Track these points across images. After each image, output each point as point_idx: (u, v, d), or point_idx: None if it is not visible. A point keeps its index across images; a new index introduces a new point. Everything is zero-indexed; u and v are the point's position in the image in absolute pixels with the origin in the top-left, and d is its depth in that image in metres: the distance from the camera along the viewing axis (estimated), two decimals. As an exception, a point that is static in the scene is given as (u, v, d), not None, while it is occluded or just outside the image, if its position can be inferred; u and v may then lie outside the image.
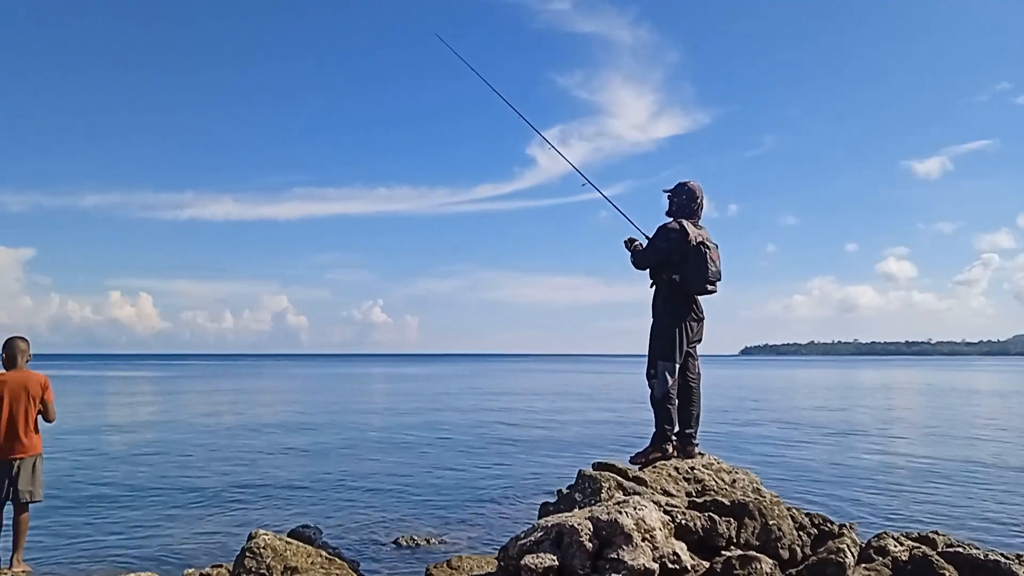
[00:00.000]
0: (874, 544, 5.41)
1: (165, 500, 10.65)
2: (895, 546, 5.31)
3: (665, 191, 7.02)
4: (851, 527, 5.78)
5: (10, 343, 6.80)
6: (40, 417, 6.80)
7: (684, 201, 6.83)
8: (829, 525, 5.78)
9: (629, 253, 6.93)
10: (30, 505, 6.75)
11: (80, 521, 9.32)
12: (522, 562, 4.44)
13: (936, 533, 6.12)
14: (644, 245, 6.89)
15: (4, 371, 6.73)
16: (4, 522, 6.67)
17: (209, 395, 39.59)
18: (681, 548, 4.69)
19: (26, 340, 6.93)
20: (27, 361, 6.86)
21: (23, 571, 6.63)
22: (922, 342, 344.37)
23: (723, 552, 5.04)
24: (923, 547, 5.22)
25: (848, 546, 4.95)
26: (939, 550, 5.29)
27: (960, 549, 5.34)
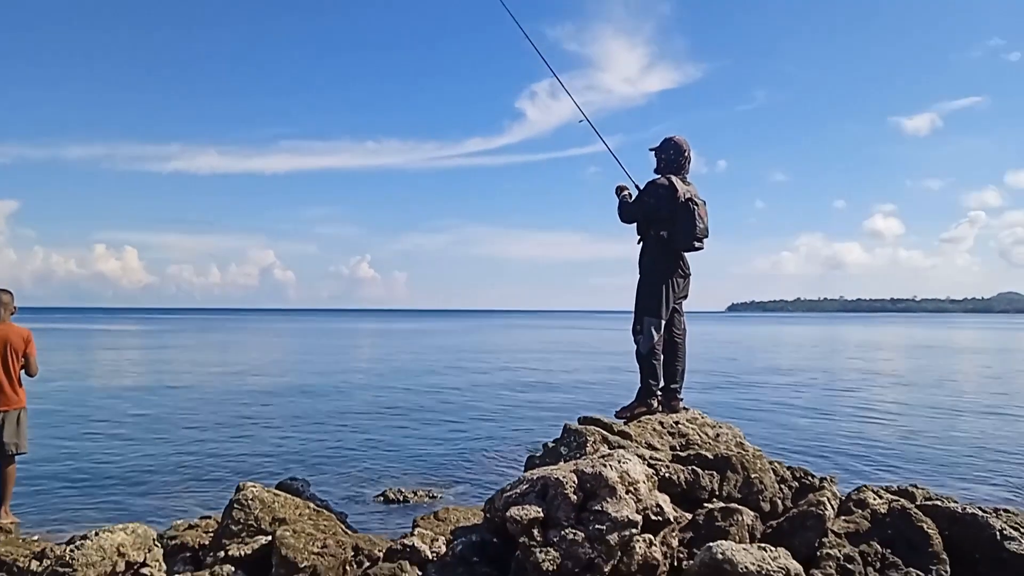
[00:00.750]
0: (854, 497, 5.49)
1: (152, 454, 10.69)
2: (874, 499, 5.39)
3: (652, 149, 6.96)
4: (831, 480, 5.87)
5: (-7, 296, 6.76)
6: (23, 371, 6.79)
7: (671, 156, 6.77)
8: (810, 478, 5.86)
9: (618, 201, 6.90)
10: (16, 458, 6.78)
11: (67, 474, 9.35)
12: (508, 513, 4.49)
13: (915, 486, 6.23)
14: (633, 196, 6.86)
15: (-12, 324, 6.70)
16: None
17: (195, 350, 39.57)
18: (664, 500, 4.75)
19: (10, 293, 6.88)
20: (11, 314, 6.82)
21: (11, 522, 6.68)
22: (907, 299, 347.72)
23: (705, 504, 5.12)
24: (902, 500, 5.31)
25: (828, 499, 5.03)
26: (918, 503, 5.38)
27: (938, 502, 5.44)
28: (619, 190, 6.96)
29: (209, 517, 6.30)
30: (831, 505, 5.02)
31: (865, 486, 5.89)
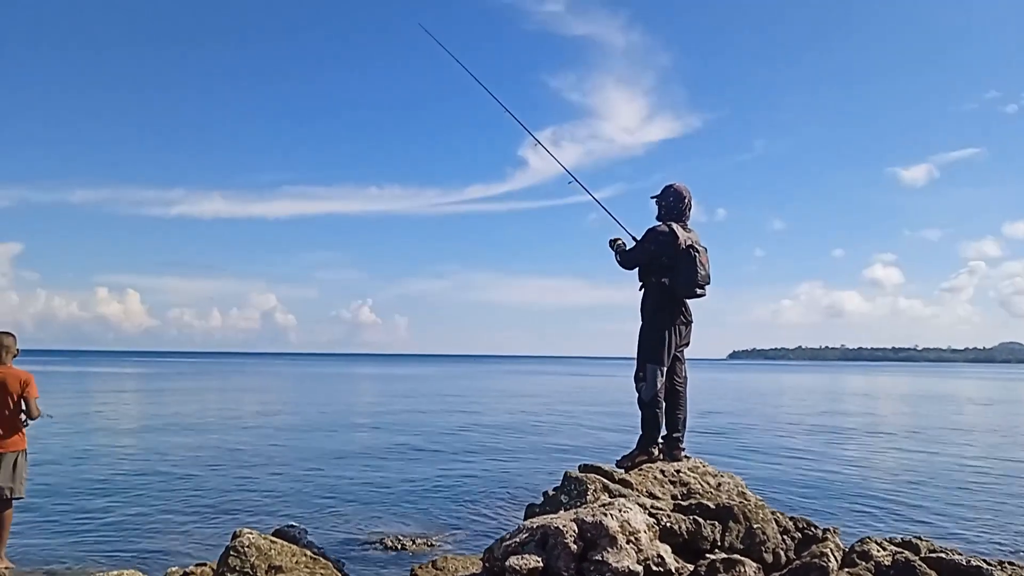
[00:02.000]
0: (857, 549, 5.43)
1: (148, 498, 10.59)
2: (878, 551, 5.33)
3: (653, 197, 7.02)
4: (835, 531, 5.81)
5: (-5, 338, 6.77)
6: (24, 414, 6.76)
7: (671, 203, 6.83)
8: (813, 529, 5.80)
9: (614, 253, 6.94)
10: (14, 502, 6.73)
11: (62, 518, 9.25)
12: (507, 563, 4.44)
13: (919, 538, 6.16)
14: (628, 245, 6.90)
15: (-12, 367, 6.69)
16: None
17: (195, 393, 39.39)
18: (666, 551, 4.70)
19: (12, 336, 6.89)
20: (13, 357, 6.82)
21: (5, 567, 6.60)
22: (908, 348, 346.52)
23: (707, 555, 5.06)
24: (906, 552, 5.25)
25: (831, 550, 4.97)
26: (922, 555, 5.32)
27: (943, 554, 5.37)
28: (612, 243, 7.00)
29: (205, 564, 6.21)
30: (835, 557, 4.96)
31: (868, 538, 5.82)
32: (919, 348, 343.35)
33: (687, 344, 6.87)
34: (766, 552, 5.29)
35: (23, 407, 6.73)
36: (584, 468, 6.42)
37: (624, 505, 4.81)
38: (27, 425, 6.82)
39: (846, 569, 5.07)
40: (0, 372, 6.67)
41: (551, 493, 6.21)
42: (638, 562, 4.43)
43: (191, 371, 78.15)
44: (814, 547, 5.16)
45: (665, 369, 6.63)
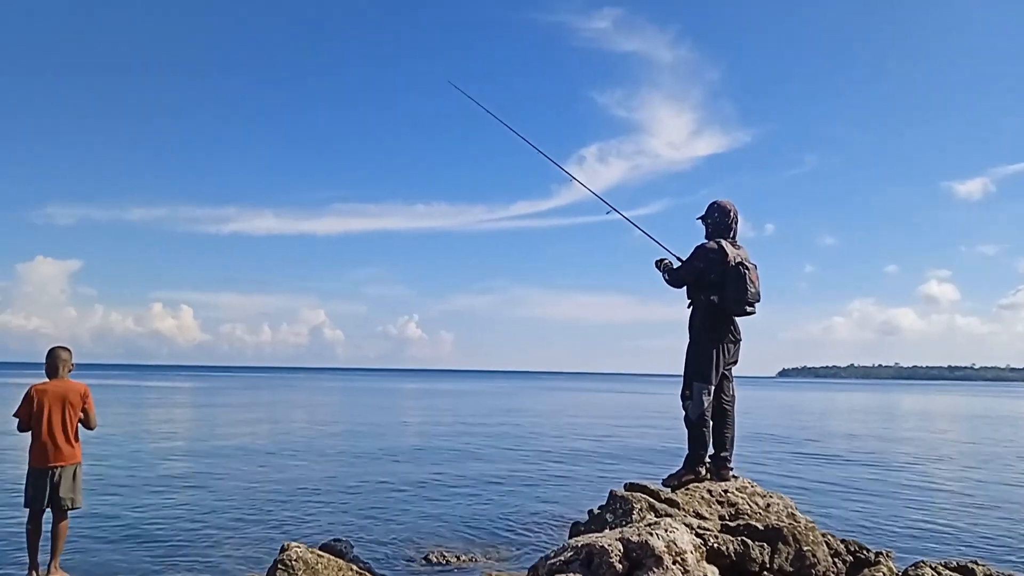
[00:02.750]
0: (911, 573, 5.30)
1: (198, 512, 10.76)
2: (933, 575, 5.19)
3: (699, 218, 6.95)
4: (888, 555, 5.68)
5: (52, 353, 6.95)
6: (81, 425, 6.92)
7: (718, 219, 6.77)
8: (865, 552, 5.67)
9: (661, 273, 6.90)
10: (69, 513, 6.88)
11: (115, 530, 9.45)
12: (551, 582, 4.42)
13: (975, 563, 5.98)
14: (673, 264, 6.86)
15: (47, 380, 6.88)
16: (44, 529, 6.80)
17: (245, 408, 39.99)
18: (713, 572, 4.63)
19: (68, 350, 7.06)
20: (69, 371, 6.99)
21: (60, 578, 6.74)
22: (965, 367, 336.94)
23: (756, 577, 4.98)
24: (963, 578, 5.11)
25: (884, 574, 4.86)
26: (979, 581, 5.17)
27: (1001, 581, 5.21)
28: (659, 263, 6.96)
29: (253, 577, 6.31)
30: (888, 581, 4.84)
31: (923, 561, 5.68)
32: (976, 367, 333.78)
33: (735, 362, 6.79)
34: (816, 575, 5.19)
35: (82, 418, 6.89)
36: (630, 487, 6.37)
37: (670, 525, 4.75)
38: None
39: (900, 594, 4.95)
40: (60, 385, 6.83)
41: (596, 511, 6.17)
42: (685, 583, 4.37)
43: (242, 386, 79.42)
44: (866, 571, 5.05)
45: (712, 388, 6.55)
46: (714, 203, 6.83)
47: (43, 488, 6.65)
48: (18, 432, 6.84)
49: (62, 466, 6.70)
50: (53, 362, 6.90)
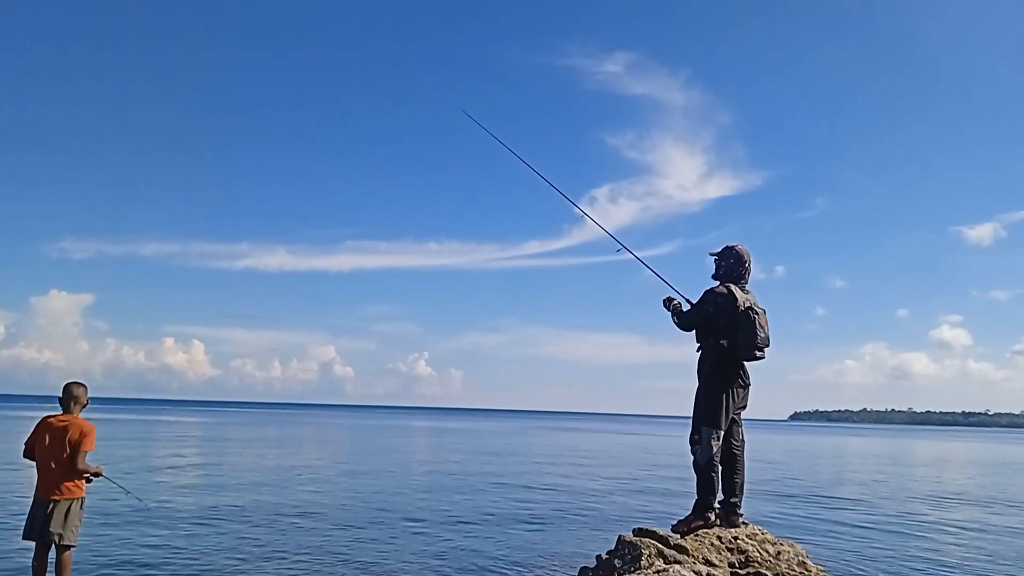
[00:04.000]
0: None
1: (202, 547, 10.73)
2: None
3: (712, 254, 6.99)
4: (901, 607, 5.60)
5: (67, 389, 7.00)
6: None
7: (732, 265, 6.80)
8: (878, 604, 5.60)
9: (669, 313, 6.92)
10: (72, 549, 6.85)
11: (120, 566, 9.43)
12: (558, 629, 4.38)
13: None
14: (683, 305, 6.88)
15: (60, 414, 6.92)
16: (48, 564, 6.79)
17: (254, 444, 39.93)
18: (722, 621, 4.58)
19: (84, 386, 7.10)
20: (82, 408, 7.03)
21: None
22: (979, 413, 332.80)
23: (766, 627, 4.91)
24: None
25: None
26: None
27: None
28: (667, 302, 6.98)
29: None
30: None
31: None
32: (991, 413, 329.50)
33: (744, 407, 6.76)
34: (828, 626, 5.12)
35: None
36: (638, 532, 6.32)
37: (679, 572, 4.71)
38: (90, 481, 6.98)
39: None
40: (66, 420, 6.86)
41: (605, 556, 6.12)
42: (693, 632, 4.33)
43: (251, 422, 79.33)
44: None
45: (722, 433, 6.52)
46: (731, 248, 6.85)
47: (36, 520, 6.67)
48: (23, 457, 6.92)
49: (57, 500, 6.69)
50: (66, 398, 6.96)
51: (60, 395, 6.97)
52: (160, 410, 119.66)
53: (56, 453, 6.74)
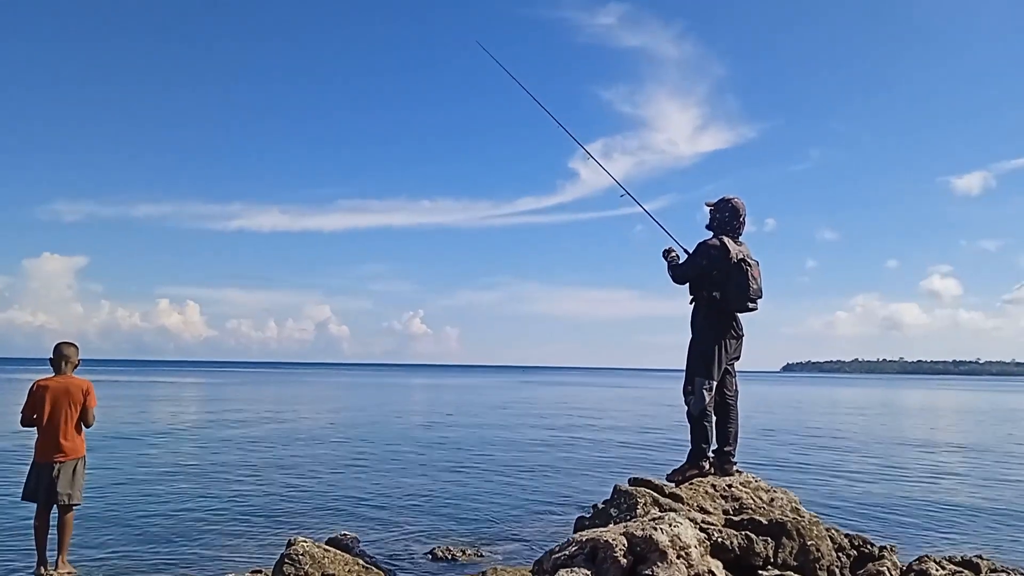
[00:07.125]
0: (915, 567, 5.31)
1: (204, 506, 10.81)
2: (937, 570, 5.21)
3: (708, 204, 6.99)
4: (891, 549, 5.70)
5: (57, 349, 7.01)
6: (81, 421, 6.96)
7: (726, 218, 6.80)
8: (869, 547, 5.70)
9: (666, 264, 6.93)
10: (75, 508, 6.92)
11: (122, 524, 9.49)
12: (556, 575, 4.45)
13: (980, 557, 6.00)
14: (681, 257, 6.88)
15: (51, 376, 6.93)
16: (51, 524, 6.86)
17: (251, 402, 40.07)
18: (717, 566, 4.66)
19: (74, 346, 7.12)
20: (74, 368, 7.05)
21: (68, 572, 6.80)
22: (970, 361, 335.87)
23: (760, 572, 5.00)
24: (966, 571, 5.13)
25: (888, 569, 4.88)
26: (982, 574, 5.19)
27: (1004, 574, 5.23)
28: (666, 253, 6.98)
29: (260, 571, 6.35)
30: (892, 575, 4.86)
31: (927, 556, 5.69)
32: (981, 361, 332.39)
33: (737, 358, 6.82)
34: (820, 570, 5.21)
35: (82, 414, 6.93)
36: (634, 481, 6.40)
37: (675, 519, 4.78)
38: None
39: (903, 588, 4.97)
40: (62, 381, 6.89)
41: (601, 506, 6.21)
42: (688, 577, 4.40)
43: (248, 381, 79.55)
44: (870, 565, 5.07)
45: (715, 383, 6.58)
46: (727, 200, 6.84)
47: (42, 482, 6.72)
48: (22, 427, 6.93)
49: (62, 461, 6.75)
50: (57, 358, 6.97)
51: (51, 356, 6.98)
52: (157, 371, 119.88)
53: (66, 413, 6.78)
